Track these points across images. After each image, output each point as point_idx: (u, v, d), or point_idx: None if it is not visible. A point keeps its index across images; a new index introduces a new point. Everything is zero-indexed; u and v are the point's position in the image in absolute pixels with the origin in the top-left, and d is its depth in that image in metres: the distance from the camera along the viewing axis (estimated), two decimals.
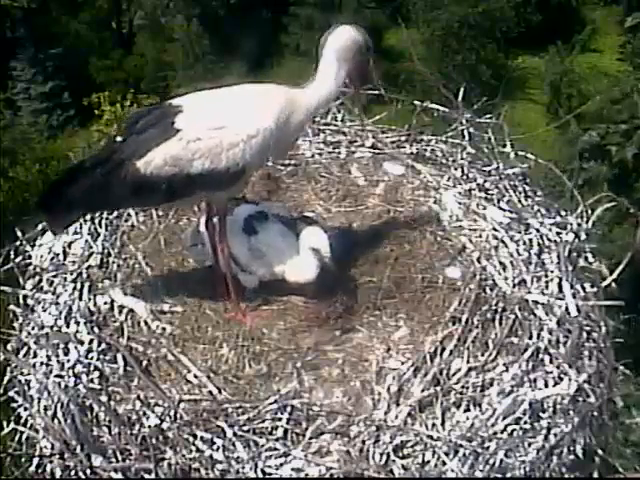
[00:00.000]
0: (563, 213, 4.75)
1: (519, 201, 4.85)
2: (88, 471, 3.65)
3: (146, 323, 4.23)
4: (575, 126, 13.08)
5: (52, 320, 4.23)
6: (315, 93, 4.12)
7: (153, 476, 3.59)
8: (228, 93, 4.14)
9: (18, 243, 4.60)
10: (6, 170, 15.73)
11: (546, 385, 3.92)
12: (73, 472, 3.72)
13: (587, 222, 4.68)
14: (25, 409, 3.96)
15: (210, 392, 3.90)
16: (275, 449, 3.65)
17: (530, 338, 4.07)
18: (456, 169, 5.11)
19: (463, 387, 3.88)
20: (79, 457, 3.67)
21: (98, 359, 4.02)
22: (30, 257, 4.58)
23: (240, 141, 4.00)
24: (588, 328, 4.18)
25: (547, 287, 4.32)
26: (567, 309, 4.18)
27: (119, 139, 4.25)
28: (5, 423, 4.01)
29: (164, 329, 4.20)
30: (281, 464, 3.63)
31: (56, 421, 3.81)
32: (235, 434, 3.67)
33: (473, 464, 3.63)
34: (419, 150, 5.27)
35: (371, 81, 4.78)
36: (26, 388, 4.00)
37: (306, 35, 22.18)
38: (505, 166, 5.03)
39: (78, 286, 4.38)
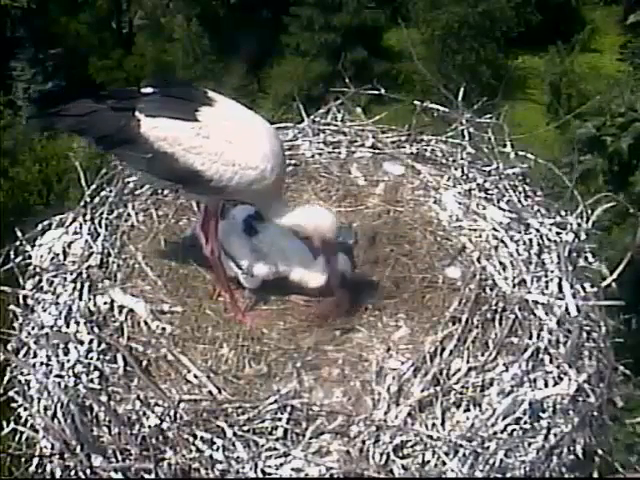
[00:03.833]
0: (563, 213, 4.75)
1: (519, 201, 4.85)
2: (88, 471, 3.65)
3: (146, 323, 4.23)
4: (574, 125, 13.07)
5: (52, 320, 4.22)
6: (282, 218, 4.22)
7: (153, 476, 3.59)
8: (263, 125, 4.15)
9: (18, 243, 4.59)
10: (6, 170, 15.71)
11: (546, 385, 3.92)
12: (73, 472, 3.72)
13: (587, 222, 4.67)
14: (25, 409, 3.96)
15: (210, 392, 3.89)
16: (275, 449, 3.65)
17: (530, 338, 4.07)
18: (456, 169, 5.10)
19: (463, 387, 3.88)
20: (79, 457, 3.67)
21: (98, 359, 4.01)
22: (30, 257, 4.57)
23: (237, 165, 4.02)
24: (588, 328, 4.17)
25: (547, 287, 4.32)
26: (567, 309, 4.18)
27: (148, 89, 4.16)
28: (5, 423, 4.01)
29: (164, 329, 4.20)
30: (281, 464, 3.63)
31: (56, 421, 3.81)
32: (235, 434, 3.66)
33: (473, 464, 3.63)
34: (419, 150, 5.27)
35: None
36: (26, 388, 3.99)
37: (306, 35, 22.18)
38: (505, 166, 5.02)
39: (78, 286, 4.37)
